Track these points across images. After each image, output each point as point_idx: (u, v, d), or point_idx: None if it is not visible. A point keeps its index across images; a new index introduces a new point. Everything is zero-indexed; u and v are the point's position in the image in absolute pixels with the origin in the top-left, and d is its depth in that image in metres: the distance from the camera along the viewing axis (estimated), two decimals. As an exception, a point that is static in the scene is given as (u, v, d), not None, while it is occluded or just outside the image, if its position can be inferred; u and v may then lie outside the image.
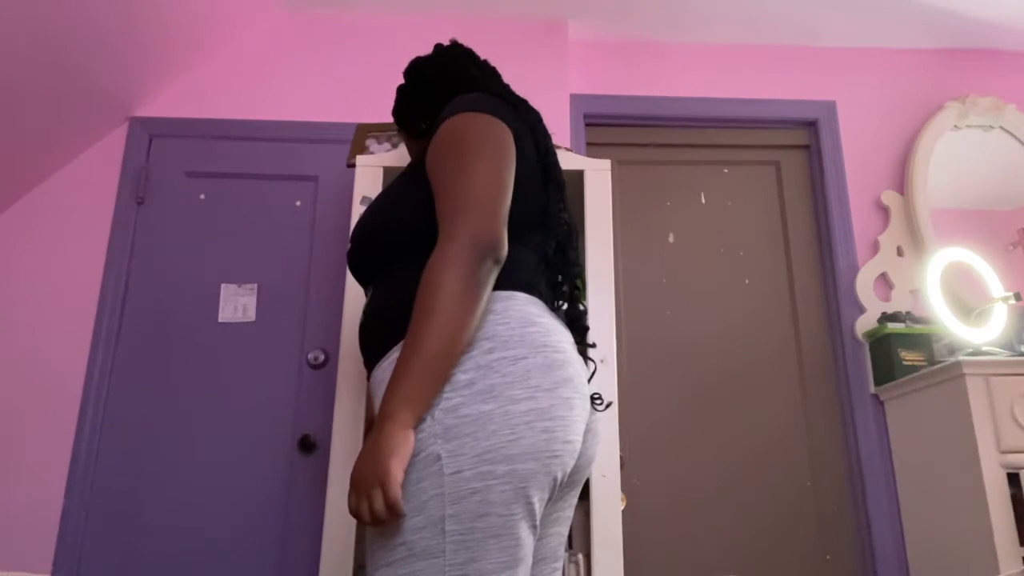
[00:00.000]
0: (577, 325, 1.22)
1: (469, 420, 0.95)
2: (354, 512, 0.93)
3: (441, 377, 0.96)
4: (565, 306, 1.24)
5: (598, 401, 1.16)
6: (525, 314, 1.05)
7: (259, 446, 2.30)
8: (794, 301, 2.67)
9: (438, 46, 1.43)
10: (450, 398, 0.96)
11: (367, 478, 0.92)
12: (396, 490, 0.90)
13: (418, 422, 0.96)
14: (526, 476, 0.95)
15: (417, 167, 1.19)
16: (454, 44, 1.44)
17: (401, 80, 1.48)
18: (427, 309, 0.97)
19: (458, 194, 1.05)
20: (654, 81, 2.84)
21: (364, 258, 1.20)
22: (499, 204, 1.06)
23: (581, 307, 1.25)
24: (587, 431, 1.10)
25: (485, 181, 1.06)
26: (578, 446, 1.03)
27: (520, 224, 1.13)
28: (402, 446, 0.93)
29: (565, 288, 1.24)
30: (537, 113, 1.27)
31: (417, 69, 1.43)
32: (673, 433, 2.51)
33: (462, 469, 0.93)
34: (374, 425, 0.96)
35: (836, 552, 2.42)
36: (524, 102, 1.26)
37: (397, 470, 0.91)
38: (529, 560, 0.99)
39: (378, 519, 0.91)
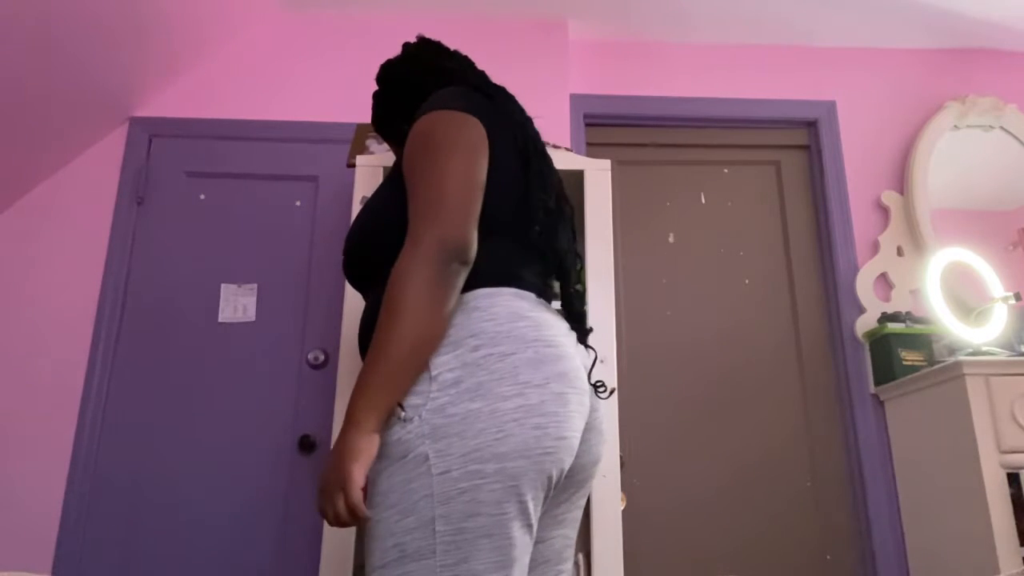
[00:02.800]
0: (572, 311, 1.19)
1: (456, 419, 0.94)
2: (321, 514, 0.95)
3: (405, 381, 0.97)
4: (559, 292, 1.21)
5: (601, 389, 1.14)
6: (513, 309, 1.04)
7: (259, 446, 2.30)
8: (794, 301, 2.67)
9: (406, 45, 1.41)
10: (437, 398, 0.96)
11: (330, 482, 0.93)
12: (356, 494, 0.92)
13: (399, 417, 0.96)
14: (517, 474, 0.94)
15: (398, 171, 1.17)
16: (422, 40, 1.42)
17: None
18: (391, 313, 0.96)
19: (426, 196, 1.04)
20: (654, 81, 2.84)
21: (358, 265, 1.19)
22: (468, 205, 1.04)
23: (576, 291, 1.22)
24: (591, 429, 1.09)
25: (454, 182, 1.04)
26: (575, 442, 1.01)
27: (502, 215, 1.11)
28: (364, 451, 0.93)
29: (555, 269, 1.20)
30: (515, 101, 1.25)
31: (391, 71, 1.41)
32: (673, 433, 2.51)
33: (450, 469, 0.93)
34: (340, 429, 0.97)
35: (836, 552, 2.42)
36: (502, 91, 1.24)
37: (358, 474, 0.92)
38: (525, 560, 0.98)
39: (341, 521, 0.93)
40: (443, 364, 0.98)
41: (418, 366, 0.97)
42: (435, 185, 1.04)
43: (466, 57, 1.41)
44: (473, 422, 0.94)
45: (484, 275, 1.05)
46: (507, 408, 0.95)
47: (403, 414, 0.96)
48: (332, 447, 0.96)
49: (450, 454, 0.93)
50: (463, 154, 1.08)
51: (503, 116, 1.19)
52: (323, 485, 0.94)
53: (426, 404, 0.96)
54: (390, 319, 0.96)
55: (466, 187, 1.05)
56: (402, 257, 0.99)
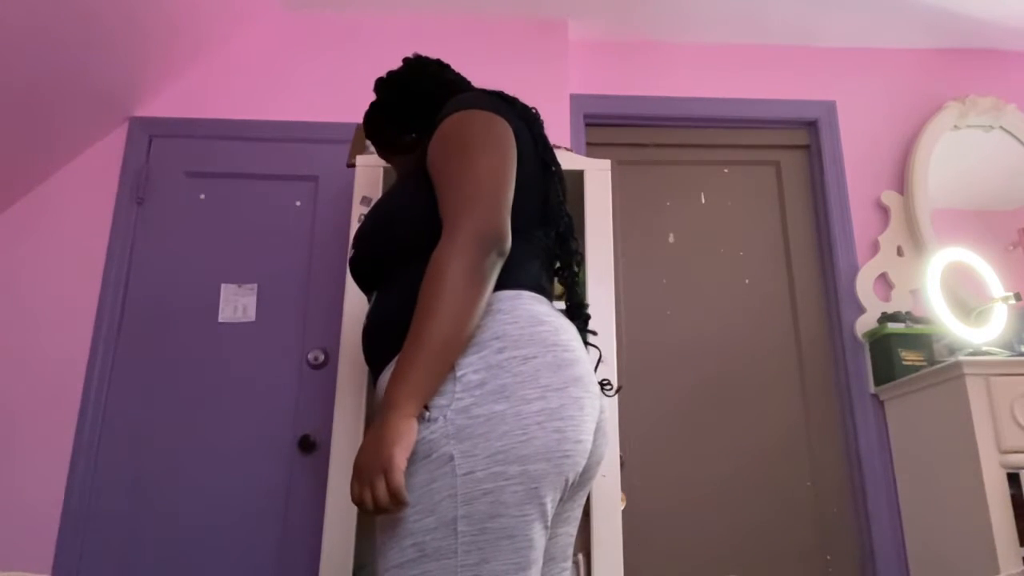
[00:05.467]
0: (578, 312, 1.23)
1: (481, 420, 0.95)
2: (357, 501, 0.93)
3: (445, 368, 0.97)
4: (562, 292, 1.24)
5: (608, 387, 1.16)
6: (534, 313, 1.05)
7: (259, 446, 2.30)
8: (794, 301, 2.67)
9: (407, 59, 1.44)
10: (461, 398, 0.96)
11: (370, 466, 0.92)
12: (399, 477, 0.90)
13: (423, 417, 0.96)
14: (538, 477, 0.95)
15: (413, 173, 1.19)
16: (421, 56, 1.44)
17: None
18: (432, 300, 0.97)
19: (462, 188, 1.05)
20: (654, 81, 2.84)
21: (368, 264, 1.20)
22: (503, 197, 1.06)
23: (580, 293, 1.26)
24: (597, 430, 1.10)
25: (489, 175, 1.07)
26: (589, 445, 1.03)
27: (523, 218, 1.13)
28: (405, 435, 0.93)
29: (565, 274, 1.24)
30: (531, 108, 1.27)
31: (399, 82, 1.42)
32: (673, 433, 2.51)
33: (474, 470, 0.93)
34: (377, 414, 0.96)
35: (836, 552, 2.42)
36: (516, 99, 1.27)
37: (400, 458, 0.91)
38: (540, 562, 0.98)
39: (381, 507, 0.91)
40: (468, 365, 0.98)
41: (456, 354, 0.97)
42: (471, 179, 1.06)
43: (462, 75, 1.44)
44: (498, 424, 0.95)
45: (506, 277, 1.07)
46: (530, 411, 0.96)
47: (428, 414, 0.97)
48: (368, 432, 0.95)
49: (475, 455, 0.94)
50: (496, 150, 1.10)
51: (523, 120, 1.22)
52: (361, 470, 0.93)
53: (451, 404, 0.96)
54: (430, 307, 0.96)
55: (500, 182, 1.08)
56: (441, 247, 1.00)
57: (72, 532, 2.19)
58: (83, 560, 2.18)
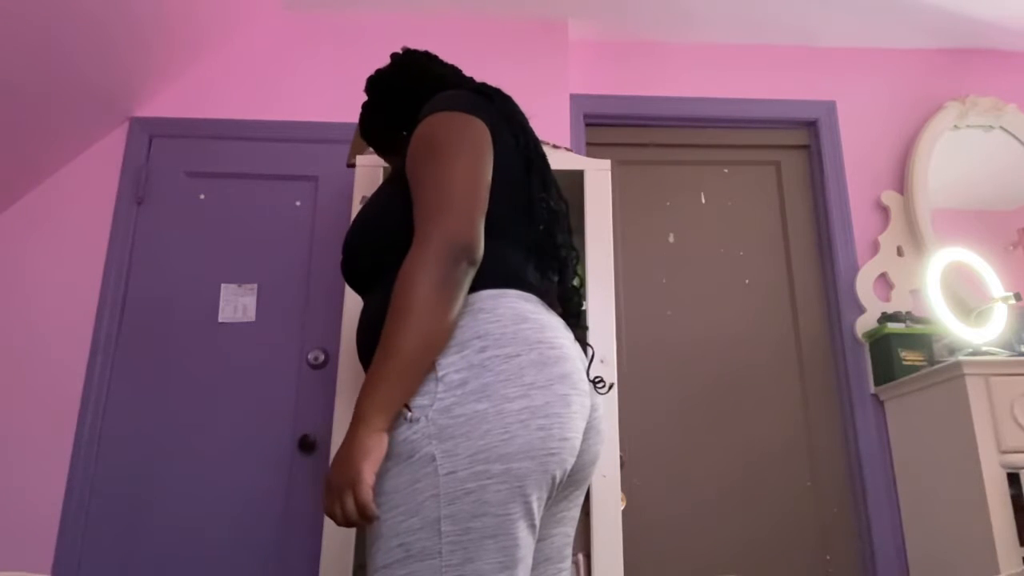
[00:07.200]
0: (569, 306, 1.20)
1: (463, 420, 0.94)
2: (328, 514, 0.94)
3: (416, 381, 0.96)
4: (556, 285, 1.22)
5: (600, 384, 1.15)
6: (518, 311, 1.04)
7: (259, 446, 2.30)
8: (794, 301, 2.67)
9: (395, 55, 1.42)
10: (443, 398, 0.96)
11: (339, 481, 0.93)
12: (367, 493, 0.91)
13: (405, 418, 0.96)
14: (522, 475, 0.95)
15: (400, 173, 1.18)
16: (408, 49, 1.43)
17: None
18: (401, 312, 0.96)
19: (433, 196, 1.04)
20: (654, 81, 2.84)
21: (356, 268, 1.19)
22: (475, 205, 1.05)
23: (574, 288, 1.23)
24: (590, 428, 1.09)
25: (461, 182, 1.05)
26: (577, 443, 1.02)
27: (504, 217, 1.12)
28: (374, 449, 0.93)
29: (555, 267, 1.21)
30: (513, 102, 1.25)
31: (385, 80, 1.41)
32: (673, 433, 2.51)
33: (456, 469, 0.93)
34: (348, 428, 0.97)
35: (836, 552, 2.42)
36: (499, 92, 1.25)
37: (368, 473, 0.92)
38: (529, 560, 0.98)
39: (350, 521, 0.93)
40: (449, 365, 0.98)
41: (426, 366, 0.97)
42: (442, 186, 1.04)
43: (453, 65, 1.42)
44: (479, 423, 0.94)
45: (488, 276, 1.06)
46: (512, 409, 0.96)
47: (409, 414, 0.96)
48: (340, 446, 0.96)
49: (457, 454, 0.93)
50: (469, 155, 1.09)
51: (504, 117, 1.20)
52: (331, 484, 0.94)
53: (432, 405, 0.96)
54: (399, 319, 0.96)
55: (473, 187, 1.06)
56: (410, 258, 0.99)
57: (72, 532, 2.19)
58: (83, 560, 2.18)
